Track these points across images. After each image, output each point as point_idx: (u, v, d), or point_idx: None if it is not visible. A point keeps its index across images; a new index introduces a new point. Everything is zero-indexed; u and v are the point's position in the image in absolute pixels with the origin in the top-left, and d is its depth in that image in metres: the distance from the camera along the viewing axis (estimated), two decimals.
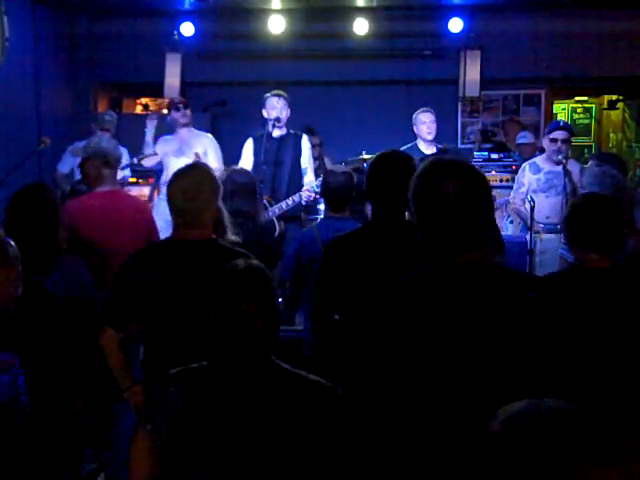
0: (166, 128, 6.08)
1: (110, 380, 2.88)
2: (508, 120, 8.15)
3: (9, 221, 3.10)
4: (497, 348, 1.80)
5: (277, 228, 5.30)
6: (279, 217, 5.30)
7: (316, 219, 5.32)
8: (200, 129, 6.14)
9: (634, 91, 8.44)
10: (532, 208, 4.73)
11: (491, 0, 7.33)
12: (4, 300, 2.39)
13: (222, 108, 7.75)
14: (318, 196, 5.18)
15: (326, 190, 3.98)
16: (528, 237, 4.81)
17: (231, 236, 2.91)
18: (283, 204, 5.30)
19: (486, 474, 0.99)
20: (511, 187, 5.90)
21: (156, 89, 7.70)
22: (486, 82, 7.59)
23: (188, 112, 5.89)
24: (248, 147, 5.67)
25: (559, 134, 5.22)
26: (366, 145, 6.09)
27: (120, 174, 4.48)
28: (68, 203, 3.79)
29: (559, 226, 2.90)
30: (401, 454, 1.83)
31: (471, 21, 7.37)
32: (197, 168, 2.95)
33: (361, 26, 7.34)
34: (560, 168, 5.12)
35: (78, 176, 4.88)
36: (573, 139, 5.51)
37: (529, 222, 4.80)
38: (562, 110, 10.65)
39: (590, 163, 4.78)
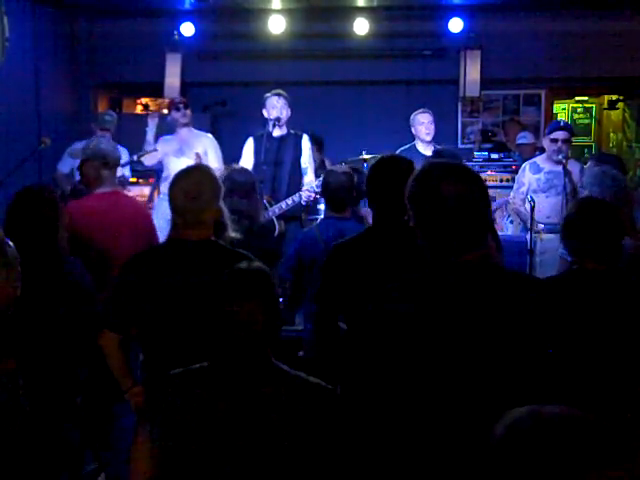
0: (166, 128, 6.08)
1: (110, 380, 2.88)
2: (508, 120, 8.15)
3: (10, 222, 3.09)
4: (496, 349, 1.80)
5: (277, 228, 5.30)
6: (279, 217, 5.30)
7: (316, 219, 5.31)
8: (200, 129, 6.14)
9: (634, 91, 8.43)
10: (532, 208, 4.73)
11: (491, 0, 7.33)
12: (3, 301, 2.39)
13: (222, 108, 7.76)
14: (318, 196, 5.18)
15: (327, 190, 3.98)
16: (528, 237, 4.81)
17: (231, 233, 2.90)
18: (283, 204, 5.30)
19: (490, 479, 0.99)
20: (511, 187, 5.90)
21: (156, 89, 7.70)
22: (486, 82, 7.59)
23: (188, 112, 5.89)
24: (248, 147, 5.67)
25: (559, 134, 5.21)
26: (366, 145, 6.09)
27: (120, 171, 4.48)
28: (68, 205, 3.78)
29: (559, 226, 2.90)
30: (401, 456, 1.83)
31: (471, 21, 7.37)
32: (198, 169, 2.97)
33: (361, 26, 7.34)
34: (560, 168, 5.12)
35: (79, 176, 4.88)
36: (573, 139, 5.51)
37: (529, 222, 4.80)
38: (562, 110, 10.65)
39: (589, 163, 4.78)
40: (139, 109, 8.87)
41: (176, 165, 5.44)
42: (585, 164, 5.27)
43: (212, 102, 7.76)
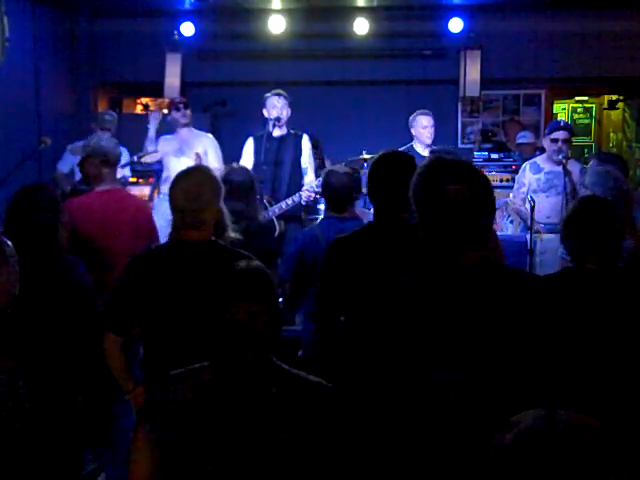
0: (166, 128, 6.08)
1: (110, 380, 2.88)
2: (508, 120, 8.16)
3: (10, 221, 3.09)
4: (498, 348, 1.80)
5: (277, 228, 5.30)
6: (279, 217, 5.29)
7: (316, 219, 5.31)
8: (200, 129, 6.14)
9: (634, 91, 8.43)
10: (532, 208, 4.73)
11: (491, 0, 7.33)
12: (3, 299, 2.38)
13: (222, 108, 7.76)
14: (318, 196, 5.17)
15: (328, 190, 3.96)
16: (528, 237, 4.81)
17: (231, 233, 2.90)
18: (283, 204, 5.30)
19: None
20: (511, 187, 5.90)
21: (156, 89, 7.70)
22: (486, 82, 7.59)
23: (188, 112, 5.89)
24: (249, 147, 5.67)
25: (560, 134, 5.21)
26: (366, 145, 6.09)
27: (120, 172, 4.48)
28: (68, 202, 3.78)
29: (559, 226, 2.90)
30: (403, 456, 1.83)
31: (471, 21, 7.37)
32: (199, 170, 2.97)
33: (361, 26, 7.34)
34: (560, 168, 5.12)
35: (79, 176, 4.88)
36: (573, 139, 5.51)
37: (529, 222, 4.80)
38: (562, 110, 10.65)
39: (592, 162, 4.77)
40: (139, 109, 8.87)
41: (176, 165, 5.44)
42: (586, 164, 5.27)
43: (212, 102, 7.76)
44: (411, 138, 6.02)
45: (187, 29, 7.44)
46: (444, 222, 1.85)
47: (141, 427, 2.00)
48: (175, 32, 7.46)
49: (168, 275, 2.68)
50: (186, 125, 5.89)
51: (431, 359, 1.81)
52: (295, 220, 5.54)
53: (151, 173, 6.42)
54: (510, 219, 6.09)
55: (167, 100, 6.80)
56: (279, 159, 5.55)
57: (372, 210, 3.04)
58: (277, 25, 7.28)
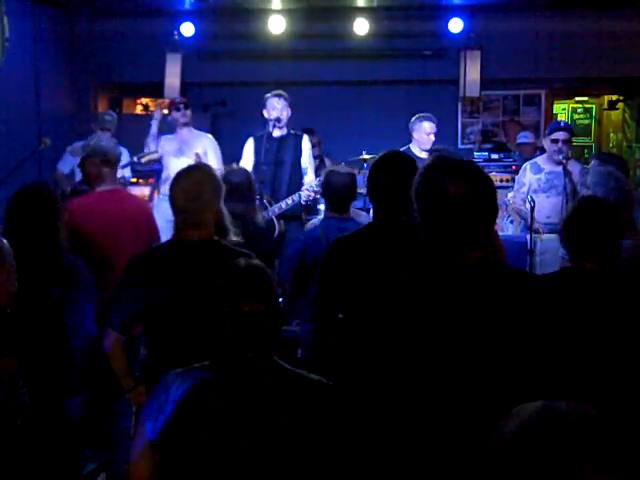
0: (167, 128, 6.08)
1: (111, 380, 2.88)
2: (508, 120, 8.16)
3: (10, 220, 3.09)
4: (498, 347, 1.80)
5: (277, 228, 5.30)
6: (279, 217, 5.29)
7: (315, 219, 5.30)
8: (200, 129, 6.14)
9: (634, 91, 8.43)
10: (532, 208, 4.73)
11: (491, 0, 7.34)
12: (2, 298, 2.38)
13: (222, 108, 7.76)
14: (318, 196, 5.17)
15: (330, 190, 3.95)
16: (528, 237, 4.81)
17: (232, 236, 2.90)
18: (283, 204, 5.30)
19: (498, 477, 0.98)
20: (511, 187, 5.89)
21: (156, 89, 7.70)
22: (486, 82, 7.59)
23: (188, 112, 5.89)
24: (249, 147, 5.68)
25: (560, 134, 5.22)
26: (366, 145, 6.09)
27: (120, 173, 4.48)
28: (68, 203, 3.78)
29: (559, 226, 2.91)
30: (404, 454, 1.83)
31: (471, 21, 7.37)
32: (199, 169, 2.95)
33: (361, 26, 7.34)
34: (560, 168, 5.13)
35: (79, 176, 4.88)
36: (573, 139, 5.51)
37: (529, 222, 4.80)
38: (562, 110, 10.66)
39: (593, 163, 4.77)
40: (139, 109, 8.88)
41: (176, 165, 5.44)
42: (586, 164, 5.27)
43: (212, 102, 7.76)
44: (411, 139, 6.01)
45: (187, 29, 7.44)
46: (445, 222, 1.85)
47: (141, 426, 1.99)
48: (175, 32, 7.45)
49: (168, 274, 2.67)
50: (186, 125, 5.89)
51: (430, 358, 1.81)
52: (295, 220, 5.54)
53: (151, 173, 6.42)
54: (510, 219, 6.08)
55: (167, 100, 6.80)
56: (279, 159, 5.56)
57: (371, 210, 3.05)
58: (277, 25, 7.28)
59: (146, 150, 5.92)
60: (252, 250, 2.85)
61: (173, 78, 7.49)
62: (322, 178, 4.12)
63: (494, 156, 7.47)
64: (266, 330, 1.87)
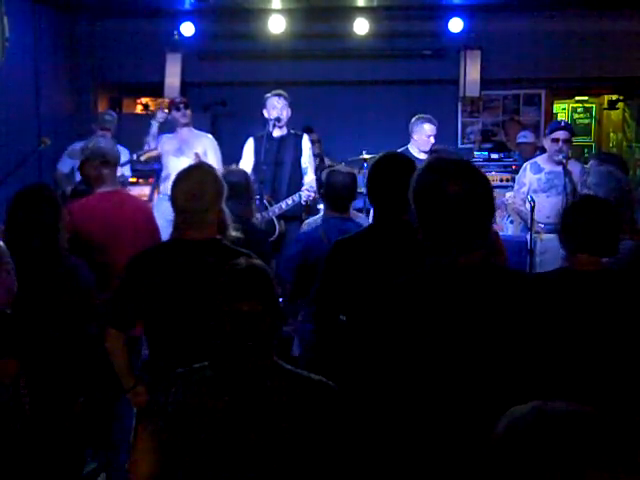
0: (167, 127, 6.08)
1: (111, 380, 2.88)
2: (508, 120, 8.16)
3: (11, 221, 3.09)
4: (496, 348, 1.80)
5: (277, 228, 5.30)
6: (279, 217, 5.30)
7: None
8: (200, 129, 6.14)
9: (634, 91, 8.43)
10: (532, 208, 4.73)
11: (491, 0, 7.33)
12: (3, 299, 2.38)
13: (222, 108, 7.76)
14: (318, 196, 5.17)
15: (331, 190, 3.95)
16: (528, 237, 4.81)
17: (232, 233, 2.89)
18: (283, 204, 5.30)
19: (492, 476, 0.98)
20: (511, 187, 5.89)
21: (156, 89, 7.70)
22: (486, 82, 7.59)
23: (189, 112, 5.89)
24: (249, 147, 5.68)
25: (560, 134, 5.22)
26: (366, 145, 6.09)
27: (120, 171, 4.48)
28: (69, 205, 3.78)
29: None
30: (405, 454, 1.83)
31: (471, 21, 7.37)
32: (201, 169, 2.95)
33: (361, 26, 7.34)
34: (561, 168, 5.13)
35: (79, 176, 4.88)
36: (573, 139, 5.51)
37: (529, 222, 4.80)
38: (562, 110, 10.66)
39: (592, 162, 4.77)
40: (139, 109, 8.88)
41: (175, 164, 5.44)
42: (586, 164, 5.27)
43: (212, 102, 7.76)
44: (410, 139, 6.00)
45: (187, 29, 7.44)
46: (442, 222, 1.85)
47: (142, 427, 1.99)
48: (175, 32, 7.45)
49: (169, 273, 2.68)
50: (186, 125, 5.89)
51: (428, 359, 1.81)
52: (295, 220, 5.54)
53: (151, 173, 6.42)
54: (510, 219, 6.08)
55: (167, 100, 6.80)
56: (279, 159, 5.56)
57: (370, 211, 3.05)
58: (277, 25, 7.28)
59: (145, 148, 5.92)
60: (247, 249, 2.85)
61: (173, 78, 7.49)
62: (322, 178, 4.12)
63: (494, 156, 7.47)
64: (266, 330, 1.87)
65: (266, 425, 1.84)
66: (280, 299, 4.00)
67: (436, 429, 1.81)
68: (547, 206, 5.18)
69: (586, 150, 10.18)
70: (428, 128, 5.87)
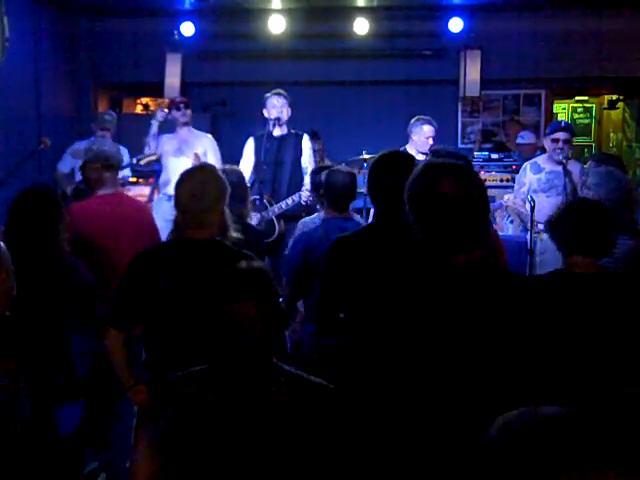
0: (167, 127, 6.08)
1: (112, 380, 2.88)
2: (508, 120, 8.15)
3: (11, 222, 3.10)
4: (494, 349, 1.80)
5: (277, 228, 5.30)
6: (279, 217, 5.29)
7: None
8: (200, 129, 6.14)
9: (634, 91, 8.43)
10: (532, 208, 4.73)
11: (491, 0, 7.33)
12: (2, 300, 2.38)
13: (222, 108, 7.76)
14: (312, 196, 5.16)
15: (332, 190, 3.95)
16: (528, 237, 4.81)
17: (233, 233, 2.90)
18: (283, 204, 5.30)
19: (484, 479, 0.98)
20: (511, 187, 5.89)
21: (156, 89, 7.70)
22: (486, 82, 7.59)
23: (188, 112, 5.89)
24: (249, 147, 5.67)
25: (561, 134, 5.21)
26: (366, 145, 6.08)
27: (120, 173, 4.49)
28: (70, 207, 3.79)
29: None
30: (403, 456, 1.83)
31: (471, 21, 7.37)
32: (204, 169, 2.96)
33: (361, 26, 7.34)
34: (561, 168, 5.13)
35: (79, 176, 4.88)
36: (573, 139, 5.51)
37: (529, 222, 4.80)
38: (562, 110, 10.66)
39: (589, 163, 4.77)
40: (139, 109, 8.88)
41: (175, 164, 5.45)
42: (585, 164, 5.27)
43: (212, 102, 7.76)
44: (409, 140, 6.00)
45: (187, 29, 7.44)
46: (437, 222, 1.86)
47: (142, 427, 1.99)
48: (175, 32, 7.45)
49: (170, 273, 2.68)
50: (186, 125, 5.89)
51: (425, 360, 1.81)
52: (295, 220, 5.53)
53: (151, 173, 6.42)
54: (510, 219, 6.08)
55: (167, 100, 6.80)
56: (279, 159, 5.55)
57: (370, 211, 3.05)
58: (277, 25, 7.28)
59: (146, 149, 5.92)
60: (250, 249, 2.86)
61: (173, 78, 7.49)
62: (322, 178, 4.12)
63: (494, 156, 7.46)
64: (265, 331, 1.87)
65: (265, 427, 1.84)
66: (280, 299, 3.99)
67: (436, 429, 1.81)
68: (547, 206, 5.16)
69: (586, 150, 10.19)
70: (427, 130, 5.86)
